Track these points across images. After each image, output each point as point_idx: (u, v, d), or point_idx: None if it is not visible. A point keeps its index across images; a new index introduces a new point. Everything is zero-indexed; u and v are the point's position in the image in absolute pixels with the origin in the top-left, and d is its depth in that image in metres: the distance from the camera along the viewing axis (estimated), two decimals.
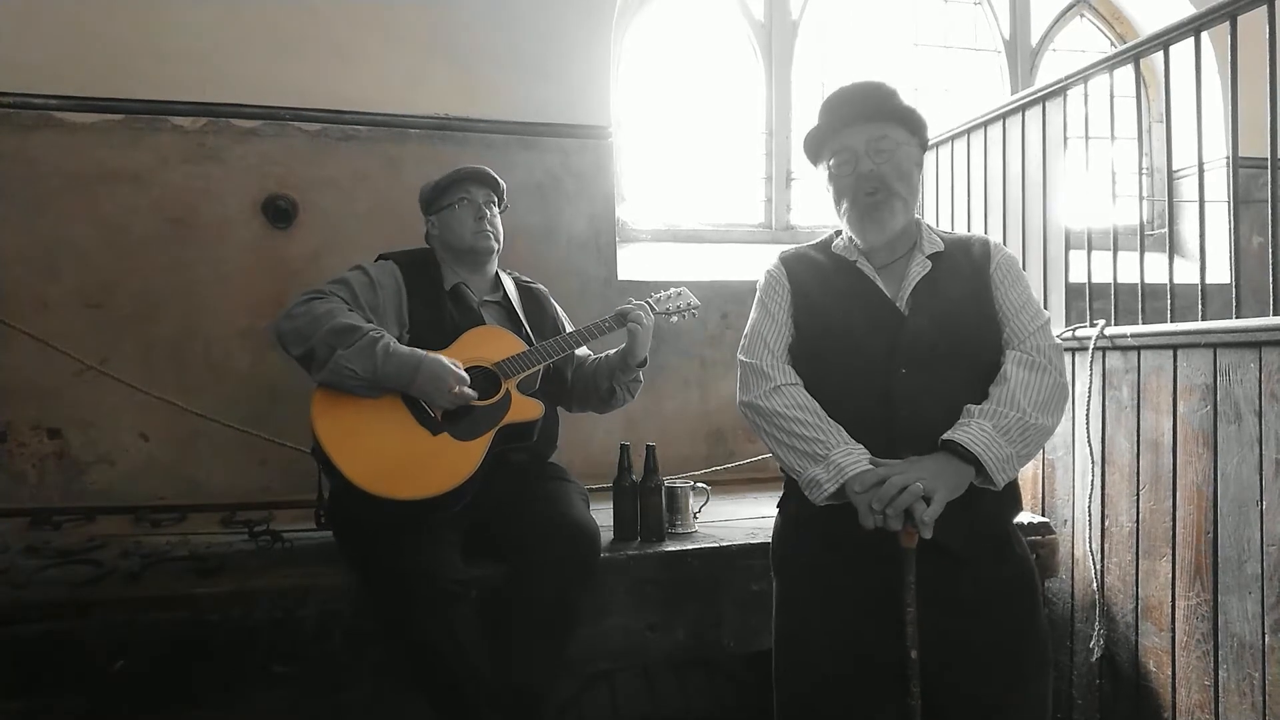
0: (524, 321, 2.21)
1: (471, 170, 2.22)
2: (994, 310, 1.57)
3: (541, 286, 2.39)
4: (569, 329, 2.30)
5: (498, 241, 2.22)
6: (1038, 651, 1.54)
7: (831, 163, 1.62)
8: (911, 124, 1.61)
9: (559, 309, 2.39)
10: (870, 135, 1.57)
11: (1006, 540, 1.56)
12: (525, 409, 2.04)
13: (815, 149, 1.68)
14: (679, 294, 2.35)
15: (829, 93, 1.66)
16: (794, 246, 1.76)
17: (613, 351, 2.25)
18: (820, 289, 1.63)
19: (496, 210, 2.24)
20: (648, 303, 2.25)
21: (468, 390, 1.93)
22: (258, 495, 2.70)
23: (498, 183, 2.25)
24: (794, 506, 1.62)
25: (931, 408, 1.49)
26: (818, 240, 1.75)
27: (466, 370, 1.97)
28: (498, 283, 2.27)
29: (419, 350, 1.94)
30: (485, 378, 2.02)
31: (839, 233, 1.71)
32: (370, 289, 2.07)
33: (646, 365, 2.23)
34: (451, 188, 2.19)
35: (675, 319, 2.35)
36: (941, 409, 1.48)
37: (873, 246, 1.61)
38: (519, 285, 2.32)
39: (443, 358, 1.94)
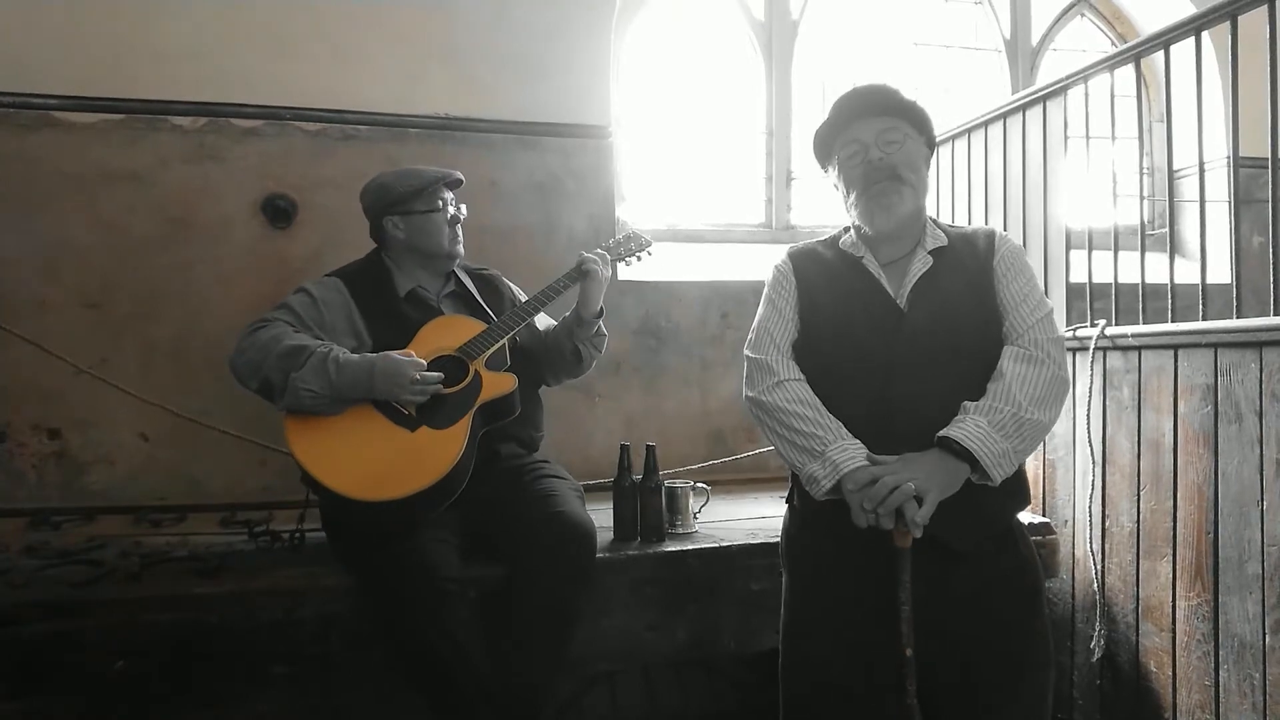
0: (483, 306, 2.21)
1: (451, 176, 2.19)
2: (996, 304, 1.56)
3: (494, 270, 2.39)
4: None
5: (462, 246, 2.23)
6: (1038, 650, 1.54)
7: (841, 155, 1.62)
8: (917, 120, 1.62)
9: (514, 287, 2.38)
10: (879, 127, 1.58)
11: (1009, 536, 1.56)
12: (498, 384, 2.03)
13: (824, 146, 1.67)
14: (628, 236, 2.35)
15: (833, 96, 1.66)
16: (803, 243, 1.76)
17: (570, 312, 2.23)
18: (825, 285, 1.63)
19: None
20: (601, 249, 2.24)
21: (429, 374, 1.92)
22: (257, 495, 2.70)
23: (461, 184, 2.24)
24: (800, 500, 1.63)
25: (930, 404, 1.48)
26: (826, 237, 1.74)
27: (431, 361, 1.97)
28: (450, 275, 2.26)
29: (370, 354, 1.94)
30: (452, 364, 2.01)
31: (846, 229, 1.70)
32: (314, 307, 2.06)
33: (604, 316, 2.21)
34: (429, 191, 2.14)
35: (630, 261, 2.34)
36: (940, 406, 1.48)
37: (881, 233, 1.59)
38: (471, 274, 2.31)
39: (394, 354, 1.93)
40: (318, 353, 1.90)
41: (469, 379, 2.01)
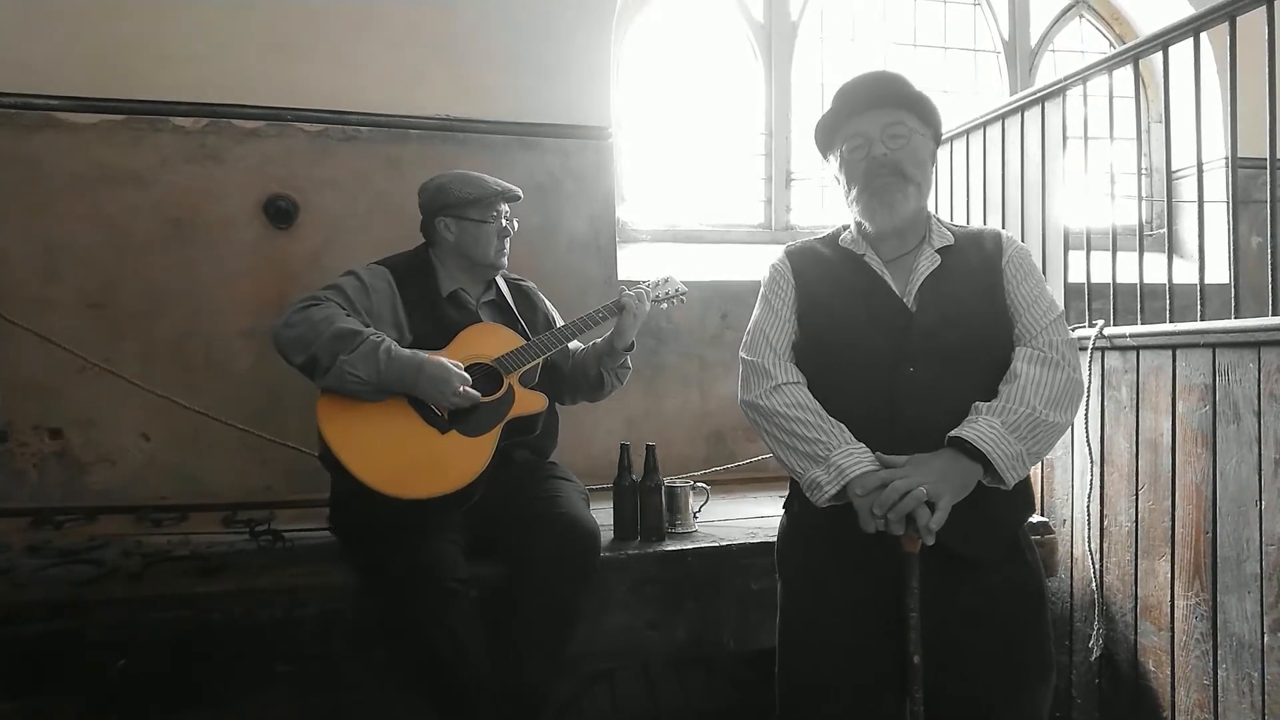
0: (519, 318, 2.24)
1: (512, 192, 2.21)
2: (1006, 306, 1.53)
3: (531, 283, 2.42)
4: (559, 322, 2.33)
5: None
6: (1039, 661, 1.51)
7: (844, 148, 1.57)
8: (925, 114, 1.57)
9: (548, 303, 2.42)
10: (885, 121, 1.52)
11: (1016, 545, 1.52)
12: (529, 402, 2.07)
13: (827, 136, 1.61)
14: (667, 280, 2.41)
15: (838, 86, 1.61)
16: (800, 240, 1.70)
17: (600, 339, 2.27)
18: (826, 284, 1.58)
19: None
20: (643, 289, 2.30)
21: (472, 391, 1.95)
22: (259, 495, 2.70)
23: (520, 199, 2.27)
24: (799, 508, 1.59)
25: (939, 407, 1.44)
26: (825, 234, 1.69)
27: (467, 368, 1.99)
28: (491, 282, 2.28)
29: (420, 353, 1.96)
30: (486, 374, 2.04)
31: (846, 227, 1.66)
32: (364, 293, 2.07)
33: (634, 350, 2.27)
34: (485, 202, 2.16)
35: (665, 305, 2.40)
36: (950, 409, 1.44)
37: (882, 231, 1.55)
38: (510, 284, 2.34)
39: (444, 359, 1.95)
40: (370, 340, 1.91)
41: (503, 391, 2.04)
